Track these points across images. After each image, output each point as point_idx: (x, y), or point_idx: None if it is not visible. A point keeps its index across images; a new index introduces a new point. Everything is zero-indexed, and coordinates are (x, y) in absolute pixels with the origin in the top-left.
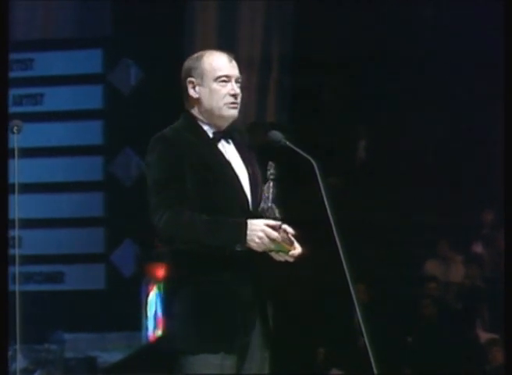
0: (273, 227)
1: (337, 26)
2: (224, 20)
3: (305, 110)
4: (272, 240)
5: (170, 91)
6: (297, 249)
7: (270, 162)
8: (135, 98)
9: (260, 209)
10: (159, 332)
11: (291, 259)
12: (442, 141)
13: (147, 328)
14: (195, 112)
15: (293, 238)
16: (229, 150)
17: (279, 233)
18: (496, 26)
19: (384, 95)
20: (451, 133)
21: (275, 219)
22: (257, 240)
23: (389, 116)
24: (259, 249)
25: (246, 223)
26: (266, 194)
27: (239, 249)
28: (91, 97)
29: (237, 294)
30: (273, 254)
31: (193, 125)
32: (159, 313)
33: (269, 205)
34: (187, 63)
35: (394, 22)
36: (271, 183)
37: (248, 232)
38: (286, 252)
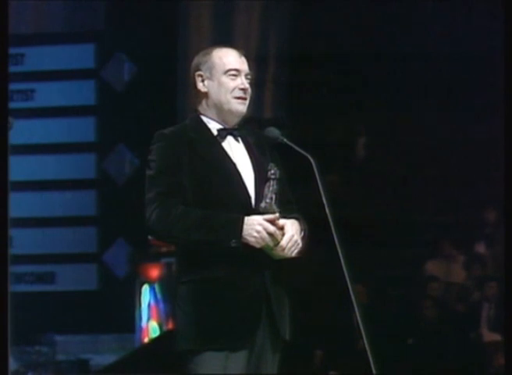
0: (271, 221)
1: (335, 22)
2: (219, 15)
3: (303, 107)
4: (270, 234)
5: (164, 87)
6: (283, 239)
7: (271, 163)
8: (128, 93)
9: (260, 208)
10: (153, 323)
11: (283, 253)
12: (442, 138)
13: (140, 330)
14: (202, 108)
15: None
16: (236, 148)
17: (277, 228)
18: (496, 24)
19: (383, 92)
20: (452, 131)
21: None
22: (255, 234)
23: (389, 113)
24: (257, 244)
25: (242, 218)
26: (266, 193)
27: (234, 245)
28: (84, 93)
29: (239, 292)
30: (269, 251)
31: (198, 122)
32: (152, 304)
33: (268, 203)
34: (196, 58)
35: (394, 18)
36: (271, 182)
37: (245, 226)
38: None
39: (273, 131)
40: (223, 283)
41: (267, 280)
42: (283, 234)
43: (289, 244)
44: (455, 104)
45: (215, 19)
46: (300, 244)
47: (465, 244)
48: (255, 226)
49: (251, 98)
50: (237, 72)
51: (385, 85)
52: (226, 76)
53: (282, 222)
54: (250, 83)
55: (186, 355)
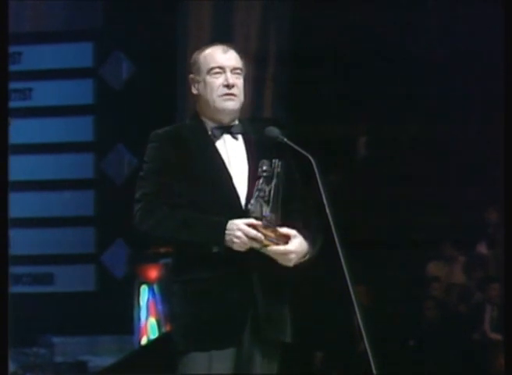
0: (254, 226)
1: (335, 21)
2: (219, 13)
3: (303, 106)
4: (253, 239)
5: (163, 86)
6: (286, 246)
7: (263, 160)
8: (127, 92)
9: (249, 208)
10: (151, 320)
11: (273, 257)
12: (442, 138)
13: (139, 328)
14: (198, 108)
15: (287, 236)
16: (232, 147)
17: (262, 232)
18: (496, 25)
19: (384, 92)
20: (452, 131)
21: (260, 217)
22: (235, 240)
23: (390, 113)
24: (240, 249)
25: (225, 223)
26: (255, 193)
27: (215, 251)
28: (81, 92)
29: (225, 293)
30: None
31: (197, 122)
32: (151, 301)
33: (253, 204)
34: (191, 60)
35: (394, 18)
36: (261, 181)
37: (226, 232)
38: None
39: (273, 131)
40: (209, 284)
41: (255, 282)
42: (286, 242)
43: (280, 258)
44: (455, 104)
45: (215, 19)
46: (293, 262)
47: (466, 245)
48: (235, 232)
49: (250, 97)
50: (221, 69)
51: (385, 85)
52: (210, 75)
53: (291, 232)
54: (245, 78)
55: (176, 355)
